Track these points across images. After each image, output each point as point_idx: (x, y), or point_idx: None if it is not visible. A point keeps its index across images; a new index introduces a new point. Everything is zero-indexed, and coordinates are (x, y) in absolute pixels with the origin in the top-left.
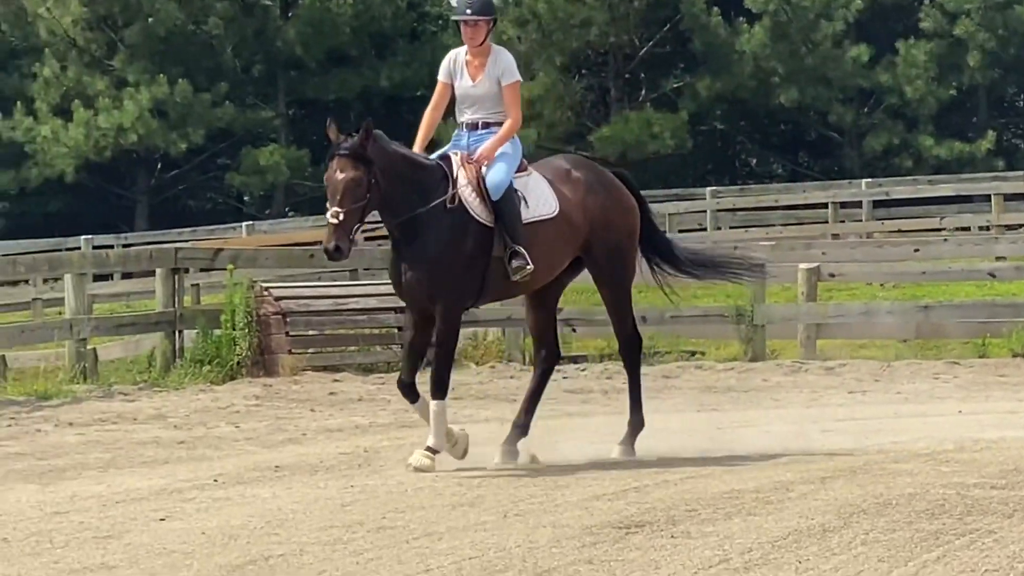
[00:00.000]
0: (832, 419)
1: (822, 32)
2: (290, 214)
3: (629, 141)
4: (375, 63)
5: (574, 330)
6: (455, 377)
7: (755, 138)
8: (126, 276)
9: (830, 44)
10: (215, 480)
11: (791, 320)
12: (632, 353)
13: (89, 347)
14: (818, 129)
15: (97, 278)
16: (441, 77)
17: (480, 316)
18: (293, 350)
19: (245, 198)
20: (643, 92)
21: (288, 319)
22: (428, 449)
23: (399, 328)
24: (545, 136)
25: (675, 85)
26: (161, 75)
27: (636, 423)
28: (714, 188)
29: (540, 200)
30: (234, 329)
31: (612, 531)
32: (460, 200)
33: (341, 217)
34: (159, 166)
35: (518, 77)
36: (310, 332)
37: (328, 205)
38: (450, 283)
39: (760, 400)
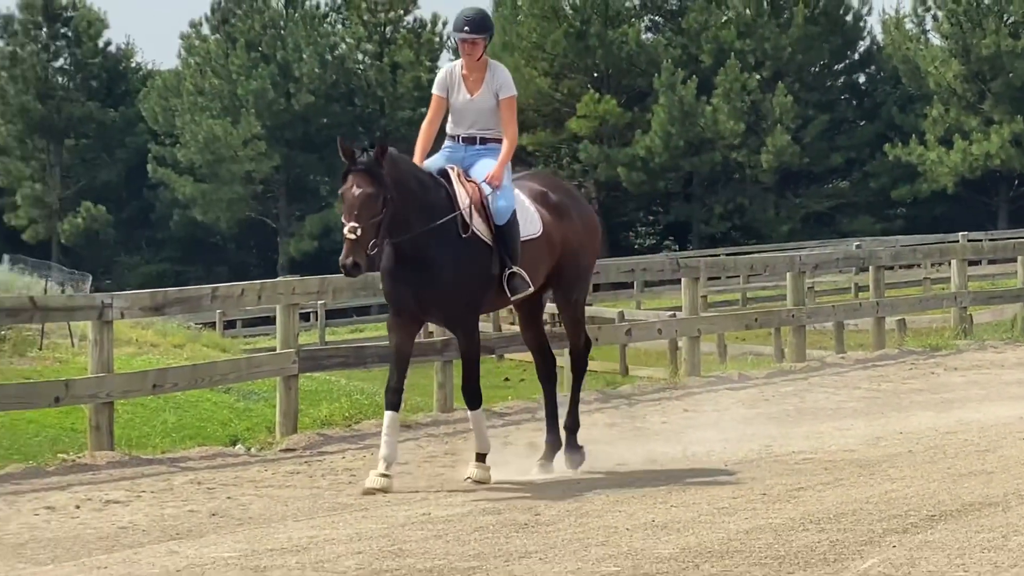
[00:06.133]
0: None
1: None
2: None
3: None
4: None
5: None
6: None
7: None
8: (992, 262)
9: None
10: None
11: None
12: (581, 366)
13: (968, 313)
14: None
15: (970, 264)
16: (437, 91)
17: None
18: None
19: None
20: None
21: None
22: (478, 457)
23: None
24: None
25: None
26: (1019, 116)
27: (574, 429)
28: None
29: (527, 220)
30: None
31: None
32: (463, 220)
33: (358, 233)
34: (1015, 183)
35: (514, 91)
36: None
37: (344, 221)
38: (466, 304)
39: None
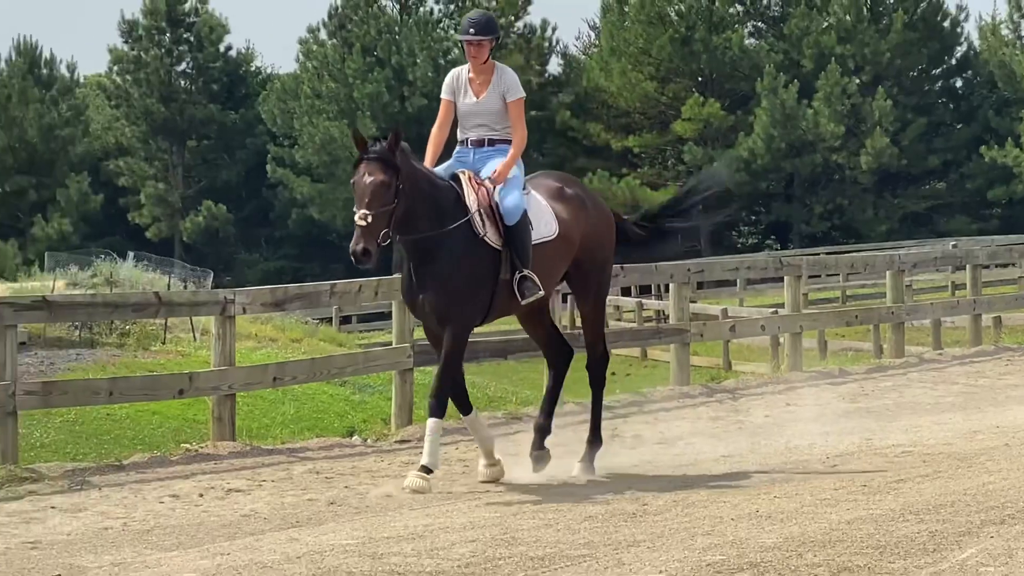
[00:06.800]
0: None
1: None
2: None
3: None
4: None
5: None
6: None
7: None
8: None
9: None
10: None
11: None
12: (600, 370)
13: None
14: None
15: None
16: (444, 95)
17: None
18: None
19: None
20: None
21: None
22: (422, 468)
23: None
24: None
25: None
26: None
27: (595, 443)
28: None
29: (542, 221)
30: None
31: None
32: (473, 225)
33: (369, 220)
34: None
35: (522, 93)
36: None
37: (356, 208)
38: (460, 305)
39: None
